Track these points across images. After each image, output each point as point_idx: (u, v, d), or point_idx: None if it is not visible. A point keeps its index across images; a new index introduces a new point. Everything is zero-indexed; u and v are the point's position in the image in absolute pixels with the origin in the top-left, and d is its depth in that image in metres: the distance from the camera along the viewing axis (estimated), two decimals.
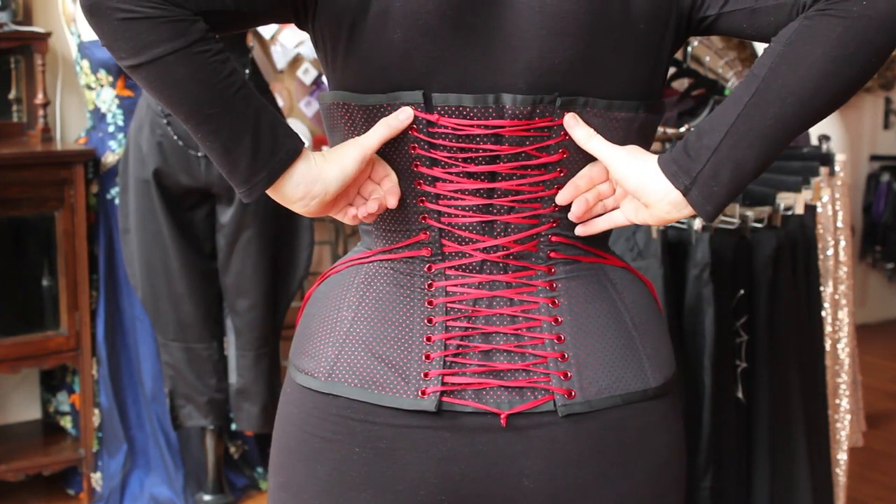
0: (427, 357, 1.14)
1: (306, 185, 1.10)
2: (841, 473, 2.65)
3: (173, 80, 1.02)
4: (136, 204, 2.98)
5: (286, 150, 1.09)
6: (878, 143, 5.45)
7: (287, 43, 3.76)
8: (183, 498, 3.18)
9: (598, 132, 1.12)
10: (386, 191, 1.14)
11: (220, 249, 3.05)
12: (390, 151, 1.14)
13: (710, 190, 1.08)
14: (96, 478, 3.21)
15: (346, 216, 1.16)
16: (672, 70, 2.93)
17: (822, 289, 2.43)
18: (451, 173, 1.13)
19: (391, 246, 1.18)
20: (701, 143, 1.08)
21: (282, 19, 1.12)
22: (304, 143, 1.11)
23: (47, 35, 3.19)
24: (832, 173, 2.64)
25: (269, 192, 1.10)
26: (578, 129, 1.12)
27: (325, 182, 1.11)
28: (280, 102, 3.59)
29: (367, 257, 1.19)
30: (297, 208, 1.12)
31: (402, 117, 1.11)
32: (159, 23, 1.00)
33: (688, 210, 1.11)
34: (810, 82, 1.03)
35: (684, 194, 1.10)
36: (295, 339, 1.24)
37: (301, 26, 1.14)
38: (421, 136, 1.11)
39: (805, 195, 2.30)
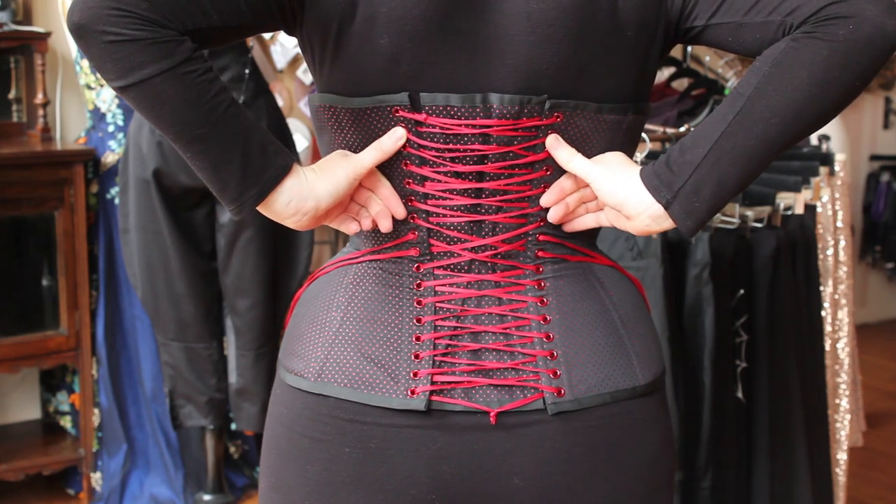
0: (416, 356, 1.14)
1: (297, 201, 1.11)
2: (841, 473, 2.66)
3: (161, 100, 1.03)
4: (135, 204, 2.98)
5: (276, 167, 1.09)
6: (878, 143, 5.45)
7: (287, 43, 3.77)
8: (183, 498, 3.18)
9: (587, 134, 1.13)
10: (383, 198, 1.15)
11: (220, 249, 3.05)
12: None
13: (692, 205, 1.10)
14: (96, 478, 3.21)
15: (346, 226, 1.17)
16: (672, 70, 2.93)
17: (821, 288, 2.43)
18: (439, 173, 1.13)
19: (380, 246, 1.18)
20: (684, 158, 1.09)
21: (270, 29, 1.12)
22: (294, 159, 1.12)
23: (47, 35, 3.19)
24: (832, 173, 2.64)
25: (259, 208, 1.11)
26: (561, 151, 1.13)
27: (316, 198, 1.11)
28: (280, 102, 3.59)
29: (356, 258, 1.20)
30: (289, 223, 1.13)
31: (395, 137, 1.12)
32: (146, 45, 1.01)
33: (668, 223, 1.12)
34: (794, 104, 1.04)
35: (665, 208, 1.11)
36: (284, 339, 1.24)
37: (290, 33, 1.14)
38: (409, 135, 1.12)
39: (805, 195, 2.30)
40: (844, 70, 1.03)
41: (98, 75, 3.13)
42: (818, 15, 1.03)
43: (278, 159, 1.09)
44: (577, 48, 1.09)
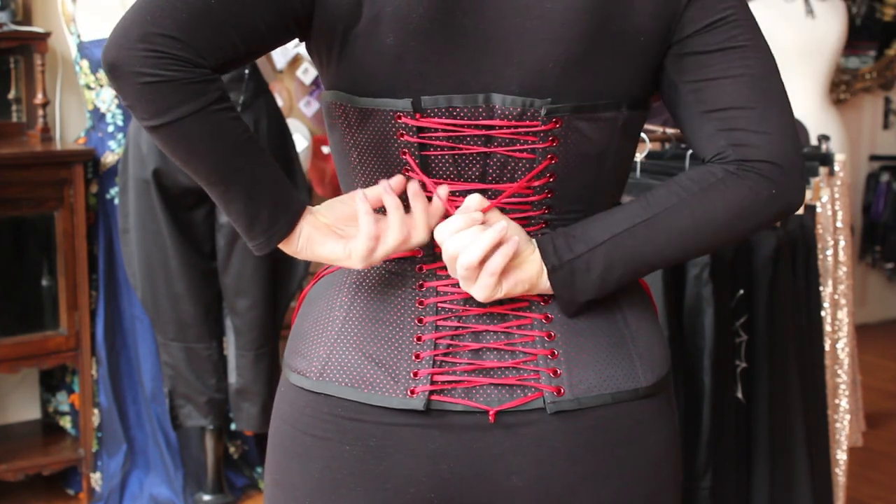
0: (417, 356, 1.15)
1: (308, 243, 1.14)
2: (840, 473, 2.66)
3: (194, 139, 1.04)
4: (135, 204, 2.98)
5: (298, 202, 1.12)
6: (878, 143, 5.45)
7: (286, 43, 3.76)
8: (182, 498, 3.18)
9: (584, 133, 1.13)
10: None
11: (220, 249, 3.05)
12: (381, 156, 1.14)
13: (573, 280, 1.13)
14: (96, 478, 3.21)
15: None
16: None
17: (821, 289, 2.43)
18: (442, 175, 1.13)
19: None
20: (584, 235, 1.13)
21: (284, 43, 1.13)
22: (306, 201, 1.15)
23: (47, 35, 3.19)
24: (832, 173, 2.64)
25: (283, 244, 1.13)
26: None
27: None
28: (280, 102, 3.59)
29: None
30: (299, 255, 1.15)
31: (393, 184, 1.13)
32: (180, 85, 1.01)
33: (543, 287, 1.14)
34: (699, 234, 1.13)
35: (549, 272, 1.13)
36: (289, 338, 1.25)
37: (303, 39, 1.15)
38: (412, 139, 1.12)
39: (805, 195, 2.29)
40: (751, 221, 1.13)
41: (98, 75, 3.13)
42: (753, 165, 1.11)
43: (299, 194, 1.13)
44: (586, 48, 1.10)
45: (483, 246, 1.09)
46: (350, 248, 1.12)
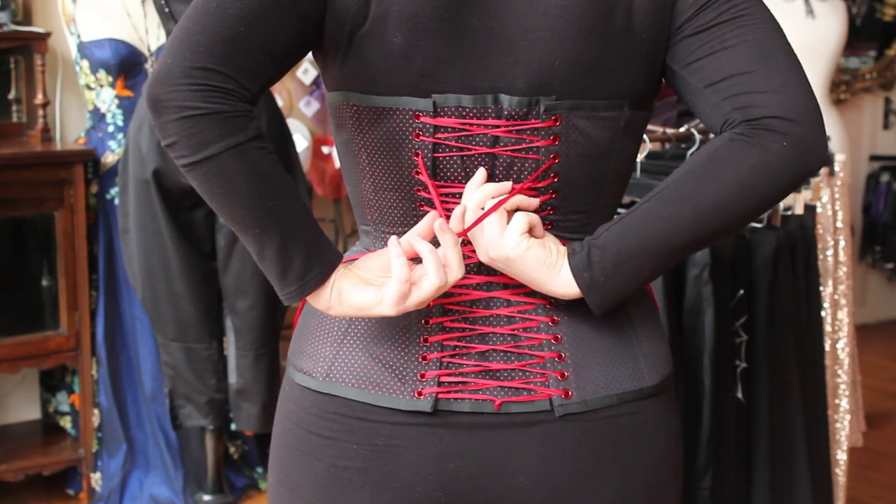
0: (424, 358, 1.15)
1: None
2: (840, 473, 2.66)
3: (233, 175, 1.04)
4: (135, 204, 2.98)
5: (335, 252, 1.11)
6: (878, 143, 5.45)
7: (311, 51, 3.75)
8: (183, 498, 3.18)
9: (586, 132, 1.13)
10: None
11: (220, 249, 3.04)
12: (392, 157, 1.14)
13: (599, 278, 1.11)
14: (96, 478, 3.21)
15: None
16: None
17: (821, 289, 2.43)
18: (450, 176, 1.13)
19: None
20: (601, 237, 1.12)
21: (311, 49, 1.13)
22: (338, 257, 1.12)
23: (47, 35, 3.19)
24: (832, 173, 2.64)
25: (314, 296, 1.11)
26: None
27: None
28: (280, 102, 3.59)
29: None
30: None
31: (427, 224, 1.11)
32: (222, 118, 1.02)
33: (552, 286, 1.13)
34: (718, 205, 1.07)
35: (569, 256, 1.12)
36: (294, 338, 1.25)
37: (318, 43, 1.14)
38: (428, 139, 1.12)
39: (805, 195, 2.30)
40: (766, 182, 1.07)
41: (98, 75, 3.13)
42: (760, 122, 1.07)
43: (332, 245, 1.12)
44: (591, 45, 1.10)
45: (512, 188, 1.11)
46: (382, 293, 1.09)
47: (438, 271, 1.07)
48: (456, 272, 1.08)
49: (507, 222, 1.11)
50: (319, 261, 1.10)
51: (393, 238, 1.10)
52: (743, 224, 1.11)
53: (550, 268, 1.11)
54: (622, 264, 1.10)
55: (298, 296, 1.11)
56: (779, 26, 1.12)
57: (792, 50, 1.11)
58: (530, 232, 1.12)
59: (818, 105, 1.09)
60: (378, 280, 1.11)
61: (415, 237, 1.10)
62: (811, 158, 1.07)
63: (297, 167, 3.08)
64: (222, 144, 1.03)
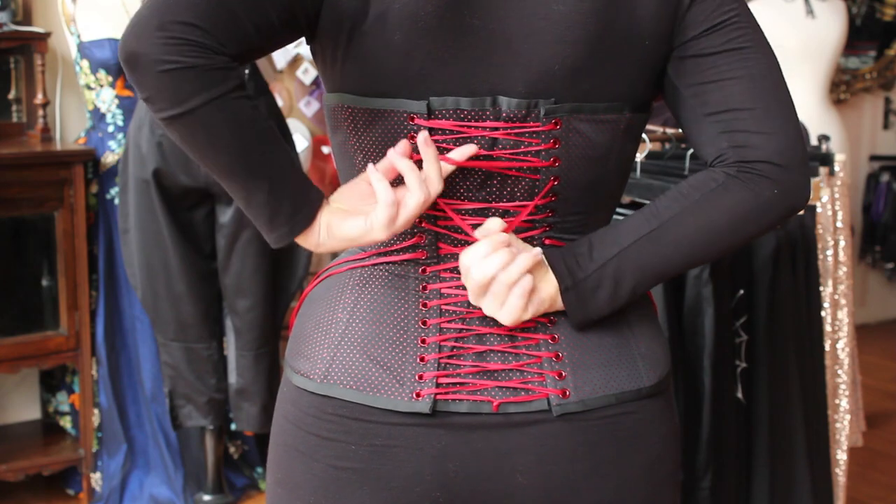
0: (421, 359, 1.14)
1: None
2: (840, 473, 2.66)
3: (216, 127, 1.03)
4: (135, 204, 2.98)
5: (318, 191, 1.12)
6: (878, 143, 5.45)
7: (297, 39, 3.76)
8: (182, 498, 3.18)
9: (586, 135, 1.13)
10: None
11: (220, 249, 3.05)
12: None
13: (587, 298, 1.14)
14: (96, 478, 3.21)
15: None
16: None
17: (821, 289, 2.43)
18: (447, 176, 1.13)
19: (387, 248, 1.18)
20: (591, 255, 1.14)
21: (291, 41, 1.12)
22: (320, 194, 1.13)
23: (47, 35, 3.19)
24: (832, 173, 2.64)
25: (304, 236, 1.12)
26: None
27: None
28: (280, 102, 3.60)
29: (363, 259, 1.20)
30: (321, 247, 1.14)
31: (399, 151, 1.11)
32: (201, 71, 1.01)
33: (556, 306, 1.15)
34: (706, 242, 1.13)
35: (562, 293, 1.13)
36: (291, 339, 1.25)
37: (310, 40, 1.14)
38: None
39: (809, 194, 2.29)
40: (755, 224, 1.13)
41: (98, 75, 3.13)
42: (754, 166, 1.11)
43: (313, 185, 1.12)
44: (591, 51, 1.10)
45: (521, 267, 1.10)
46: (371, 220, 1.10)
47: (421, 186, 1.08)
48: (437, 185, 1.10)
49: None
50: (306, 201, 1.10)
51: (370, 165, 1.11)
52: (724, 255, 1.19)
53: (549, 308, 1.15)
54: (615, 300, 1.15)
55: (288, 237, 1.11)
56: (776, 61, 1.15)
57: (787, 87, 1.15)
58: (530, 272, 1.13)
59: (805, 147, 1.15)
60: (362, 209, 1.12)
61: (395, 156, 1.10)
62: (797, 201, 1.14)
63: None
64: (203, 97, 1.01)
